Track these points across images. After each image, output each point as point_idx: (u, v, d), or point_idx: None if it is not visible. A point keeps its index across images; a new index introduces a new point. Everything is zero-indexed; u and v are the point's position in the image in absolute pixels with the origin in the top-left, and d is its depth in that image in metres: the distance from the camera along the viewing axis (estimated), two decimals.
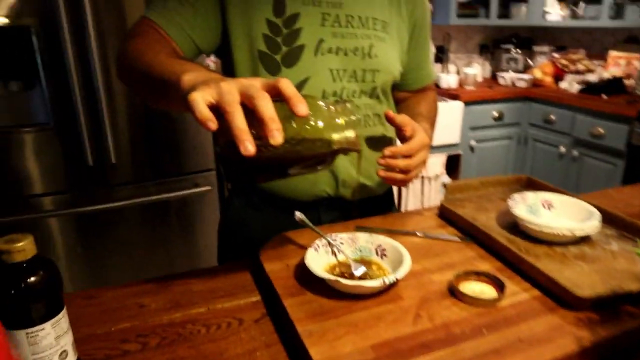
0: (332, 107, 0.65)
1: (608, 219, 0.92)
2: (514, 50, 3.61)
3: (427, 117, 1.07)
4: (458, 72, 3.46)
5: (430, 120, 1.07)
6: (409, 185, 2.94)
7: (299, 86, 0.92)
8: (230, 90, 0.54)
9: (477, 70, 3.37)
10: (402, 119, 0.90)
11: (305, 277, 0.75)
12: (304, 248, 0.80)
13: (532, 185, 1.10)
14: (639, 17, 2.92)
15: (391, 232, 0.91)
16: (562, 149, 2.98)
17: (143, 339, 0.68)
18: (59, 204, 1.97)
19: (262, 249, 0.84)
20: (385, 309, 0.68)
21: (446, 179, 2.98)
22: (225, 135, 0.54)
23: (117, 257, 2.13)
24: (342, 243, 0.81)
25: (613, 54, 3.22)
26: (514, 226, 0.91)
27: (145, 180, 2.10)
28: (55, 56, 1.80)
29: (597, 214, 0.87)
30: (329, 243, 0.80)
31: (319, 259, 0.77)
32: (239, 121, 0.52)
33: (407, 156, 0.88)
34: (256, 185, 0.99)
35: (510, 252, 0.79)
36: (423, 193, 2.96)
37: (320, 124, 0.62)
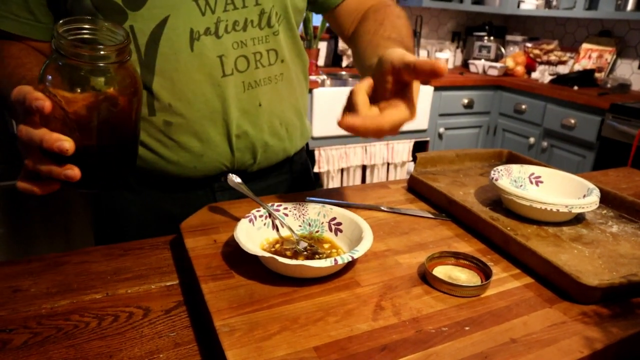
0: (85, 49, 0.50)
1: (604, 198, 0.78)
2: (486, 38, 3.51)
3: (401, 42, 0.70)
4: (429, 57, 3.33)
5: (406, 47, 0.70)
6: (372, 172, 2.79)
7: (158, 31, 0.68)
8: (22, 150, 0.52)
9: (449, 55, 3.25)
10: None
11: (235, 256, 0.58)
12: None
13: (514, 160, 0.95)
14: (613, 9, 2.86)
15: (349, 206, 0.74)
16: (532, 140, 2.90)
17: (5, 335, 0.50)
18: None
19: (185, 221, 0.66)
20: (337, 299, 0.51)
21: (412, 166, 2.84)
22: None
23: (51, 236, 1.94)
24: (286, 214, 0.63)
25: (585, 46, 3.15)
26: (496, 203, 0.77)
27: None
28: None
29: (595, 190, 0.73)
30: (270, 214, 0.62)
31: (254, 233, 0.59)
32: (44, 167, 0.51)
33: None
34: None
35: (497, 230, 0.64)
36: (388, 180, 2.82)
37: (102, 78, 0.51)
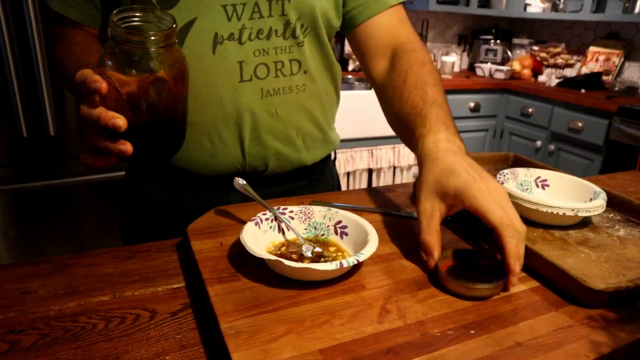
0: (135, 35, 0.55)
1: (611, 202, 0.78)
2: (493, 41, 3.51)
3: (442, 104, 0.71)
4: (435, 60, 3.33)
5: (445, 107, 0.72)
6: (379, 176, 2.79)
7: (184, 31, 0.70)
8: (84, 127, 0.57)
9: (455, 58, 3.25)
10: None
11: (241, 259, 0.58)
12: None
13: (520, 164, 0.95)
14: (620, 12, 2.85)
15: (354, 209, 0.74)
16: (539, 143, 2.89)
17: (14, 337, 0.50)
18: None
19: (191, 224, 0.67)
20: (342, 302, 0.52)
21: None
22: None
23: (60, 239, 1.93)
24: (292, 218, 0.64)
25: (593, 49, 3.14)
26: None
27: None
28: None
29: (601, 193, 0.72)
30: (276, 217, 0.63)
31: (260, 236, 0.60)
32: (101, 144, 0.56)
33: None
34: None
35: None
36: (394, 184, 2.81)
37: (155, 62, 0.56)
